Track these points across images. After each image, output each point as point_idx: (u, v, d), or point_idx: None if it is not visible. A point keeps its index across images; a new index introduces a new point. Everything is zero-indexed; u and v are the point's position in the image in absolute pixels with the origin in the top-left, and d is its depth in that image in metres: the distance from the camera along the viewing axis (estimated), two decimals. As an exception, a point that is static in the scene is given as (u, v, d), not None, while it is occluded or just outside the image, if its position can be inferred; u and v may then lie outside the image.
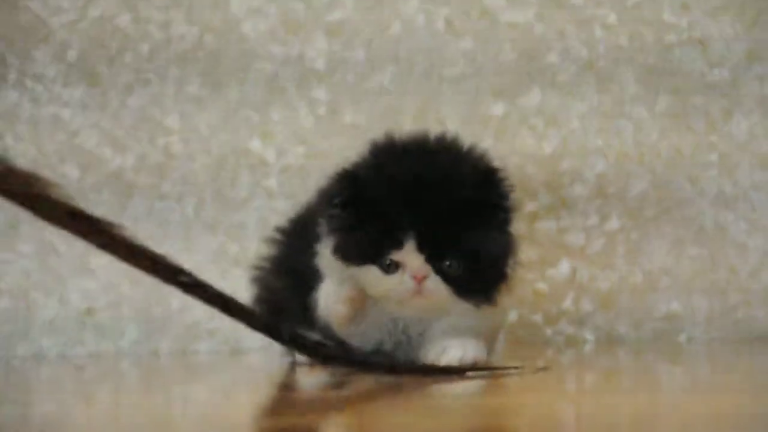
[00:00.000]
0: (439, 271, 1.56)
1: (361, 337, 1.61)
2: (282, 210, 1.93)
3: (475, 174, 1.57)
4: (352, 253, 1.57)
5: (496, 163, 1.61)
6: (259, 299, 1.75)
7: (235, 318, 1.42)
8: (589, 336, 2.03)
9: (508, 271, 1.59)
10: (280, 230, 1.74)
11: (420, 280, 1.56)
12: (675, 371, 1.59)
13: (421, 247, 1.55)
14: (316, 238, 1.61)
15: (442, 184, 1.55)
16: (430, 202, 1.54)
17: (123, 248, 1.35)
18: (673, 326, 2.03)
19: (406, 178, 1.55)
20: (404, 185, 1.54)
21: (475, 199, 1.55)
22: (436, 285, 1.56)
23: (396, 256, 1.55)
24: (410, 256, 1.55)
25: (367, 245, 1.56)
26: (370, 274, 1.57)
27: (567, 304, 2.03)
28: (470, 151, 1.61)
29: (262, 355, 1.91)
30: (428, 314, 1.60)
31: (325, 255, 1.60)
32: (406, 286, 1.56)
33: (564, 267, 2.03)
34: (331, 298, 1.59)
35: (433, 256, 1.55)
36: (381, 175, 1.56)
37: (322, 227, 1.60)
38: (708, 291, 2.04)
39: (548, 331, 2.03)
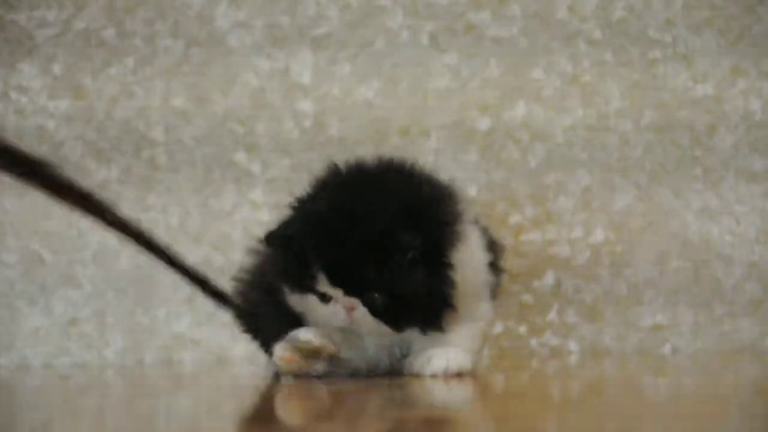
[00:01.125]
0: (365, 303, 1.56)
1: (355, 359, 1.62)
2: (267, 222, 1.93)
3: (386, 210, 1.56)
4: (286, 282, 1.59)
5: (452, 198, 1.60)
6: (242, 309, 1.75)
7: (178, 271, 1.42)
8: (573, 347, 2.04)
9: (449, 298, 1.57)
10: (259, 241, 1.74)
11: (349, 311, 1.57)
12: (660, 383, 1.59)
13: (334, 282, 1.55)
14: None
15: (361, 218, 1.55)
16: (337, 239, 1.54)
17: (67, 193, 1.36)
18: (658, 338, 2.04)
19: (329, 210, 1.56)
20: (323, 218, 1.56)
21: (391, 237, 1.54)
22: (364, 316, 1.57)
23: (322, 288, 1.57)
24: (331, 289, 1.56)
25: (295, 277, 1.58)
26: (310, 302, 1.58)
27: (552, 315, 2.04)
28: (401, 182, 1.59)
29: (247, 366, 1.91)
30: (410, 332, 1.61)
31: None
32: (339, 316, 1.57)
33: (549, 279, 2.03)
34: (276, 353, 1.60)
35: (352, 290, 1.56)
36: (302, 210, 1.58)
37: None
38: (693, 303, 2.04)
39: (533, 343, 2.03)
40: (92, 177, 2.00)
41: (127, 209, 2.00)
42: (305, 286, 1.58)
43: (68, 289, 1.99)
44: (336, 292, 1.57)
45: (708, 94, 2.07)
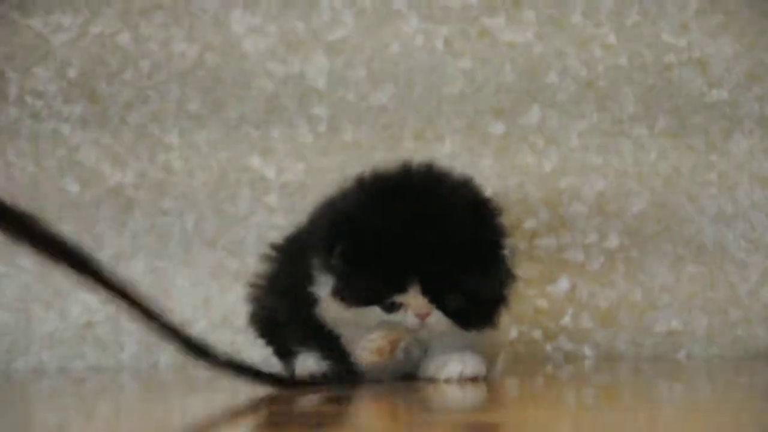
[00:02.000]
0: (440, 307, 1.57)
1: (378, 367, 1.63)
2: (282, 226, 1.93)
3: (471, 211, 1.58)
4: (353, 297, 1.57)
5: (482, 190, 1.63)
6: (256, 315, 1.75)
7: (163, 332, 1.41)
8: (588, 352, 2.03)
9: (506, 294, 1.60)
10: (274, 247, 1.74)
11: (423, 317, 1.57)
12: (675, 388, 1.59)
13: (425, 290, 1.56)
14: (310, 276, 1.61)
15: (440, 225, 1.55)
16: (430, 246, 1.54)
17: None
18: (673, 343, 2.03)
19: (404, 222, 1.55)
20: (403, 230, 1.54)
21: (474, 238, 1.56)
22: (438, 320, 1.58)
23: (399, 298, 1.56)
24: (414, 298, 1.56)
25: (370, 290, 1.57)
26: (372, 314, 1.57)
27: (566, 320, 2.04)
28: (459, 183, 1.61)
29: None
30: (430, 336, 1.61)
31: (322, 293, 1.60)
32: (410, 323, 1.57)
33: (563, 284, 2.03)
34: (365, 345, 1.60)
35: (437, 296, 1.56)
36: (378, 219, 1.56)
37: (318, 267, 1.60)
38: (707, 309, 2.04)
39: (548, 348, 2.03)
40: (107, 181, 2.01)
41: (141, 214, 2.00)
42: (378, 298, 1.57)
43: (83, 292, 1.99)
44: (416, 301, 1.56)
45: (723, 99, 2.06)
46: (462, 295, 1.56)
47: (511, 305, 1.68)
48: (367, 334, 1.59)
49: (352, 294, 1.57)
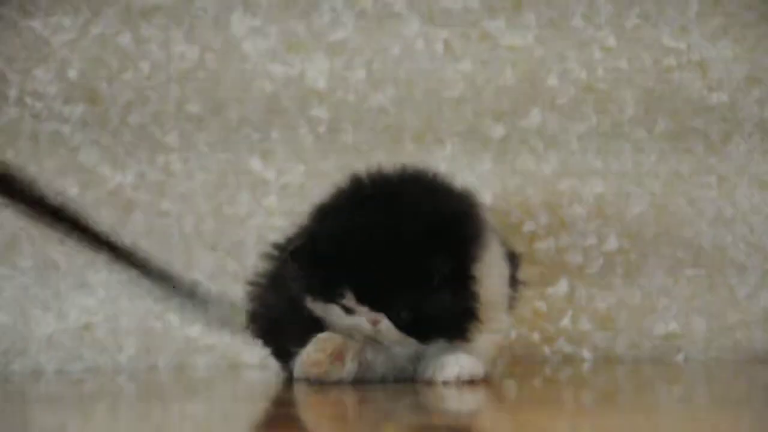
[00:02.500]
0: (390, 318, 1.57)
1: (377, 365, 1.62)
2: (281, 228, 1.93)
3: (423, 227, 1.56)
4: (313, 293, 1.58)
5: (460, 202, 1.61)
6: (254, 316, 1.76)
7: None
8: (587, 355, 2.03)
9: (471, 308, 1.58)
10: (275, 247, 1.74)
11: (374, 323, 1.57)
12: (673, 391, 1.59)
13: (360, 300, 1.56)
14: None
15: (381, 238, 1.55)
16: (363, 257, 1.54)
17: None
18: (671, 346, 2.03)
19: (347, 230, 1.55)
20: (344, 239, 1.55)
21: (415, 254, 1.54)
22: (389, 329, 1.57)
23: (348, 303, 1.57)
24: (356, 305, 1.56)
25: (320, 290, 1.57)
26: (334, 313, 1.58)
27: (565, 322, 2.04)
28: (426, 196, 1.60)
29: (260, 371, 1.91)
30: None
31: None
32: (364, 327, 1.57)
33: (562, 286, 2.03)
34: (301, 359, 1.61)
35: (378, 306, 1.56)
36: (328, 225, 1.58)
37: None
38: (706, 312, 2.04)
39: (546, 350, 2.03)
40: (107, 183, 2.01)
41: (140, 215, 2.00)
42: (329, 298, 1.58)
43: (82, 294, 2.00)
44: (360, 308, 1.57)
45: (723, 102, 2.06)
46: (408, 308, 1.56)
47: (512, 308, 1.69)
48: (308, 345, 1.60)
49: (308, 289, 1.58)
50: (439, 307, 1.56)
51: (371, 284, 1.55)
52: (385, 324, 1.57)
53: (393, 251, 1.54)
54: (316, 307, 1.60)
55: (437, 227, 1.57)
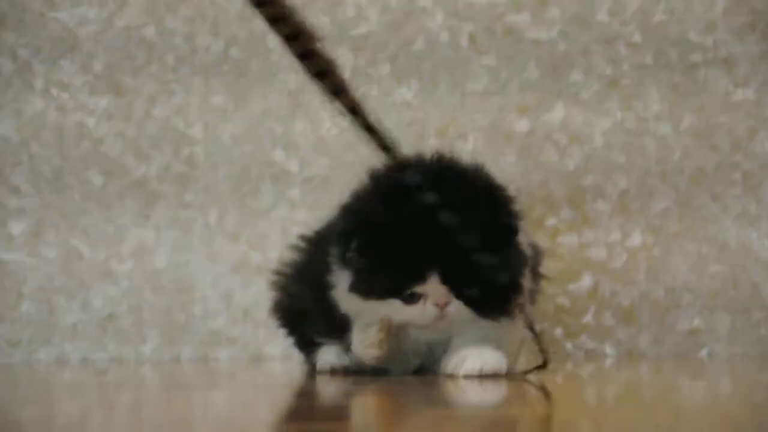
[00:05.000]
0: (460, 296, 1.56)
1: (393, 362, 1.62)
2: (304, 220, 1.93)
3: (485, 197, 1.59)
4: (371, 290, 1.57)
5: (495, 177, 1.63)
6: (280, 304, 1.76)
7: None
8: (609, 351, 2.03)
9: (521, 281, 1.60)
10: (303, 239, 1.75)
11: (443, 307, 1.56)
12: (696, 387, 1.59)
13: (445, 279, 1.55)
14: (330, 269, 1.61)
15: (456, 213, 1.55)
16: (448, 235, 1.54)
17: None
18: (695, 342, 2.03)
19: (420, 212, 1.55)
20: (419, 220, 1.55)
21: (490, 225, 1.56)
22: (458, 309, 1.57)
23: (418, 288, 1.56)
24: (433, 287, 1.56)
25: (388, 283, 1.57)
26: (391, 307, 1.57)
27: (588, 318, 2.03)
28: (471, 171, 1.61)
29: (283, 363, 1.91)
30: (450, 330, 1.60)
31: (340, 288, 1.60)
32: (429, 314, 1.57)
33: (586, 281, 2.03)
34: (361, 343, 1.60)
35: (456, 283, 1.56)
36: (393, 211, 1.56)
37: (334, 262, 1.60)
38: (730, 308, 2.03)
39: (569, 345, 2.03)
40: (131, 174, 2.01)
41: (164, 206, 2.01)
42: (397, 290, 1.56)
43: (106, 284, 2.00)
44: (435, 290, 1.56)
45: (748, 99, 2.05)
46: (479, 283, 1.56)
47: (535, 301, 1.69)
48: (358, 336, 1.60)
49: (370, 287, 1.57)
50: (505, 278, 1.57)
51: (456, 264, 1.55)
52: (455, 305, 1.57)
53: (468, 230, 1.54)
54: (351, 302, 1.59)
55: (496, 198, 1.59)
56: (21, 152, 2.00)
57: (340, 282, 1.60)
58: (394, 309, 1.58)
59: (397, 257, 1.55)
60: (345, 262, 1.58)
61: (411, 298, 1.57)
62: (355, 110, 1.54)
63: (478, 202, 1.57)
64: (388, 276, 1.56)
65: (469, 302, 1.57)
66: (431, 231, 1.54)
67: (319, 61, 1.53)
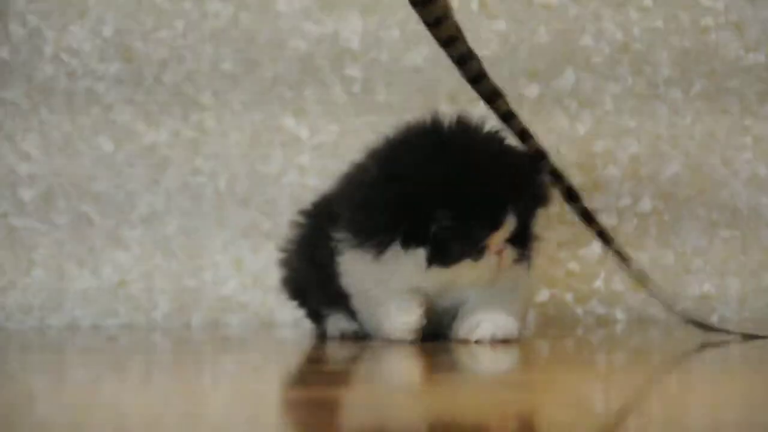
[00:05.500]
0: (508, 240, 1.57)
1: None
2: (314, 186, 1.93)
3: (512, 147, 1.62)
4: (450, 256, 1.57)
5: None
6: (287, 279, 1.77)
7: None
8: (620, 316, 2.03)
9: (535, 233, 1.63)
10: (302, 213, 1.75)
11: (501, 253, 1.57)
12: (706, 352, 1.59)
13: (517, 219, 1.57)
14: (334, 246, 1.61)
15: (504, 161, 1.58)
16: (513, 179, 1.57)
17: None
18: (706, 307, 2.03)
19: (479, 165, 1.56)
20: (488, 170, 1.56)
21: (527, 169, 1.60)
22: (509, 253, 1.58)
23: (489, 239, 1.56)
24: (498, 235, 1.56)
25: (469, 241, 1.56)
26: (461, 269, 1.57)
27: (598, 283, 2.03)
28: (483, 126, 1.62)
29: (293, 329, 1.92)
30: (461, 296, 1.61)
31: (368, 270, 1.60)
32: (493, 265, 1.57)
33: (596, 247, 2.02)
34: (403, 323, 1.60)
35: (520, 225, 1.59)
36: (456, 170, 1.56)
37: (386, 244, 1.59)
38: (741, 273, 2.03)
39: (579, 311, 2.03)
40: (141, 140, 2.01)
41: (175, 173, 2.01)
42: (473, 245, 1.56)
43: (117, 251, 2.00)
44: (499, 236, 1.57)
45: (759, 63, 2.05)
46: (522, 226, 1.59)
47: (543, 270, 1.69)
48: (393, 315, 1.59)
49: (449, 253, 1.56)
50: (531, 228, 1.61)
51: (524, 203, 1.58)
52: (508, 251, 1.58)
53: (518, 169, 1.59)
54: (416, 279, 1.59)
55: (517, 149, 1.62)
56: (31, 118, 2.00)
57: (365, 264, 1.59)
58: (462, 271, 1.57)
59: (477, 213, 1.56)
60: (419, 240, 1.56)
61: (479, 254, 1.57)
62: (506, 117, 1.64)
63: (512, 151, 1.61)
64: (471, 234, 1.56)
65: (514, 245, 1.58)
66: (496, 179, 1.56)
67: (472, 65, 1.64)
